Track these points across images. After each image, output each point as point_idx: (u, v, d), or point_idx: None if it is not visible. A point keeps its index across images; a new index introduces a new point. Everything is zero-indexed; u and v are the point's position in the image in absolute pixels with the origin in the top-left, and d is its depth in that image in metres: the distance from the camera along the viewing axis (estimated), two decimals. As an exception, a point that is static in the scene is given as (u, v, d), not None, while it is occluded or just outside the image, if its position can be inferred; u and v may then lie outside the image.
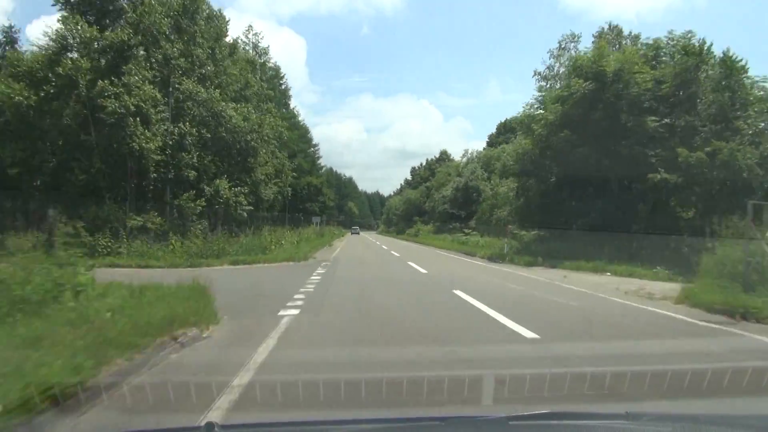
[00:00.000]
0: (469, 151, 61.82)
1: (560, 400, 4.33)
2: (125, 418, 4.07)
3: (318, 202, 59.40)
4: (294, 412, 4.08)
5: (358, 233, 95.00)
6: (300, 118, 69.35)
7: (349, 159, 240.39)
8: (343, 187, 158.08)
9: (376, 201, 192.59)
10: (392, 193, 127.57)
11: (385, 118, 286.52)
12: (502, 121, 66.62)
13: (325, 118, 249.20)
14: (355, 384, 4.60)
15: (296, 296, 11.28)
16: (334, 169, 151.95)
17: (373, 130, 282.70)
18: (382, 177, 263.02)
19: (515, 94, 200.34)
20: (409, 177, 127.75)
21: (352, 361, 5.99)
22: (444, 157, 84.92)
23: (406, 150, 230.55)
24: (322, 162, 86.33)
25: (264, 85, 30.19)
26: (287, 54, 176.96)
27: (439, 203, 54.51)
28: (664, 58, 22.73)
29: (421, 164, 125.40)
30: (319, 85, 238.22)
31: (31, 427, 3.58)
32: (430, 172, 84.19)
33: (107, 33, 19.86)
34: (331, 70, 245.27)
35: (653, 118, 20.51)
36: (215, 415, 3.98)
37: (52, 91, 19.46)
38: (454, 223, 50.52)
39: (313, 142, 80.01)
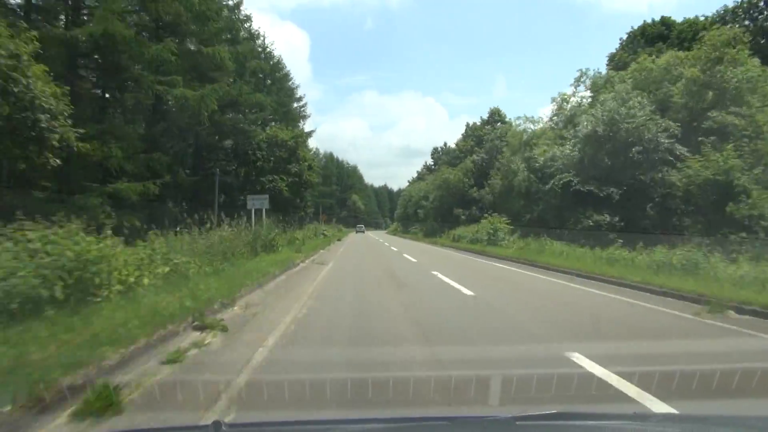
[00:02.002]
0: (590, 72, 31.41)
1: (567, 400, 4.08)
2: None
3: (289, 174, 30.56)
4: (300, 411, 3.81)
5: (363, 232, 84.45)
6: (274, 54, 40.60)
7: (353, 157, 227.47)
8: (346, 177, 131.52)
9: (384, 195, 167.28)
10: (412, 179, 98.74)
11: (390, 116, 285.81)
12: (634, 28, 37.66)
13: (329, 116, 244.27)
14: (362, 383, 4.29)
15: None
16: (336, 155, 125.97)
17: (377, 128, 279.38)
18: (387, 175, 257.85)
19: (520, 92, 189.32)
20: (430, 161, 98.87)
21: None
22: (496, 117, 55.89)
23: (410, 148, 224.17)
24: (316, 146, 58.06)
25: None
26: (290, 49, 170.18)
27: (548, 174, 25.25)
28: None
29: (445, 144, 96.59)
30: (322, 83, 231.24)
31: (37, 424, 3.43)
32: (476, 141, 55.29)
33: None
34: (334, 67, 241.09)
35: None
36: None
37: None
38: (593, 214, 21.54)
39: (298, 95, 51.83)
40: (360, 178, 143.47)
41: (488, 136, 52.06)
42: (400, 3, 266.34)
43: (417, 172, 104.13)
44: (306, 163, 31.59)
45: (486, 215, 42.60)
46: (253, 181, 30.49)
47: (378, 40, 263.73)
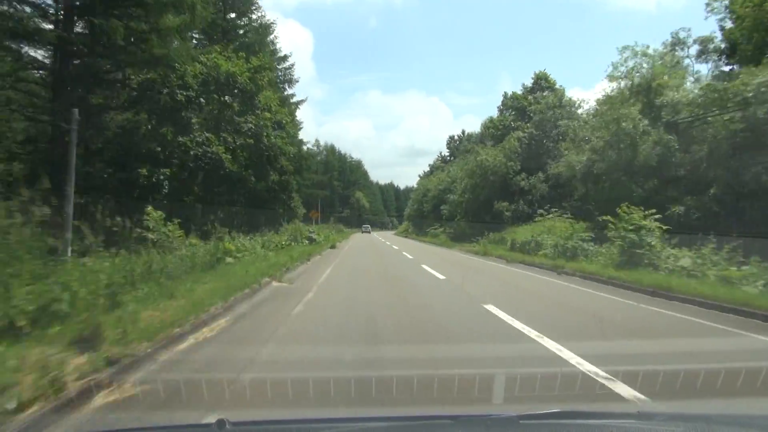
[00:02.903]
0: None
1: (571, 399, 4.03)
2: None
3: (239, 134, 17.16)
4: (303, 409, 3.79)
5: (369, 232, 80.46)
6: None
7: (357, 156, 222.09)
8: (349, 172, 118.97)
9: (390, 194, 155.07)
10: (423, 174, 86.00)
11: (394, 116, 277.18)
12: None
13: (333, 116, 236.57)
14: (366, 382, 4.29)
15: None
16: (338, 149, 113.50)
17: (382, 128, 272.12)
18: (392, 175, 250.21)
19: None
20: (445, 152, 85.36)
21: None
22: (543, 84, 42.39)
23: (415, 148, 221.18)
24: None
25: None
26: (293, 47, 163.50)
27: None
28: None
29: (463, 132, 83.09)
30: (326, 83, 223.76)
31: (40, 421, 3.50)
32: (517, 114, 41.88)
33: None
34: (338, 66, 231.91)
35: None
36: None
37: None
38: None
39: (282, 53, 38.86)
40: (365, 174, 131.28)
41: (536, 107, 38.67)
42: (404, 2, 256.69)
43: (429, 165, 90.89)
44: (268, 116, 17.94)
45: (543, 210, 29.44)
46: (178, 144, 17.22)
47: (382, 40, 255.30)
